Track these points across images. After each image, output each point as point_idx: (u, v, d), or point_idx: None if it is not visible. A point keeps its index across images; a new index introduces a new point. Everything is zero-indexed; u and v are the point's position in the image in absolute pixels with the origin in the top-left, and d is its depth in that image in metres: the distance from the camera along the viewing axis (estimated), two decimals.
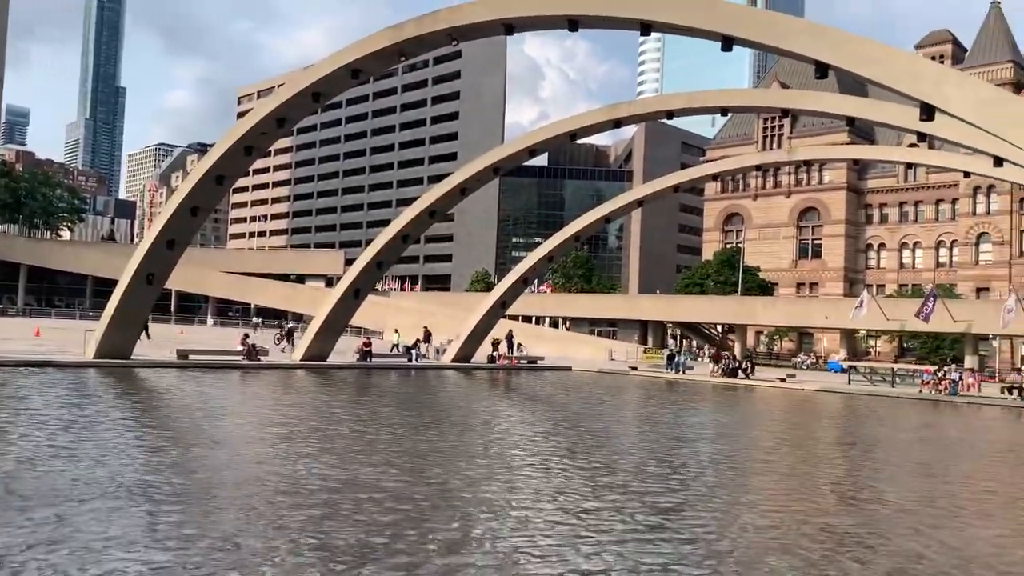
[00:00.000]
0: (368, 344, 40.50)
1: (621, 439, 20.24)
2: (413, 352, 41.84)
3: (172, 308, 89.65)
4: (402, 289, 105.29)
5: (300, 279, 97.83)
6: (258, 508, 10.26)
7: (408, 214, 37.28)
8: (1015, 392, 37.59)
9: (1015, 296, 58.55)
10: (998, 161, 25.49)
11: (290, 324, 53.15)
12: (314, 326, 37.81)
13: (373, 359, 39.67)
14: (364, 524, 9.73)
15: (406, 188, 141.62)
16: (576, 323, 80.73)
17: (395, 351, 43.48)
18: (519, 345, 47.60)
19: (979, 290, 75.27)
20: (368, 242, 40.48)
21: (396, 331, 43.16)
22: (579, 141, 42.02)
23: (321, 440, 16.42)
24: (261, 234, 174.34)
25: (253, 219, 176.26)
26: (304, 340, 37.89)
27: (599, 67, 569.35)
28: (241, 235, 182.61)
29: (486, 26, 22.76)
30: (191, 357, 33.42)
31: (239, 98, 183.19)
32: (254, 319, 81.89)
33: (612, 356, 59.37)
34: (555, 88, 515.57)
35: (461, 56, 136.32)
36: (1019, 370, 48.95)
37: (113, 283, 32.55)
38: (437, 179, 50.38)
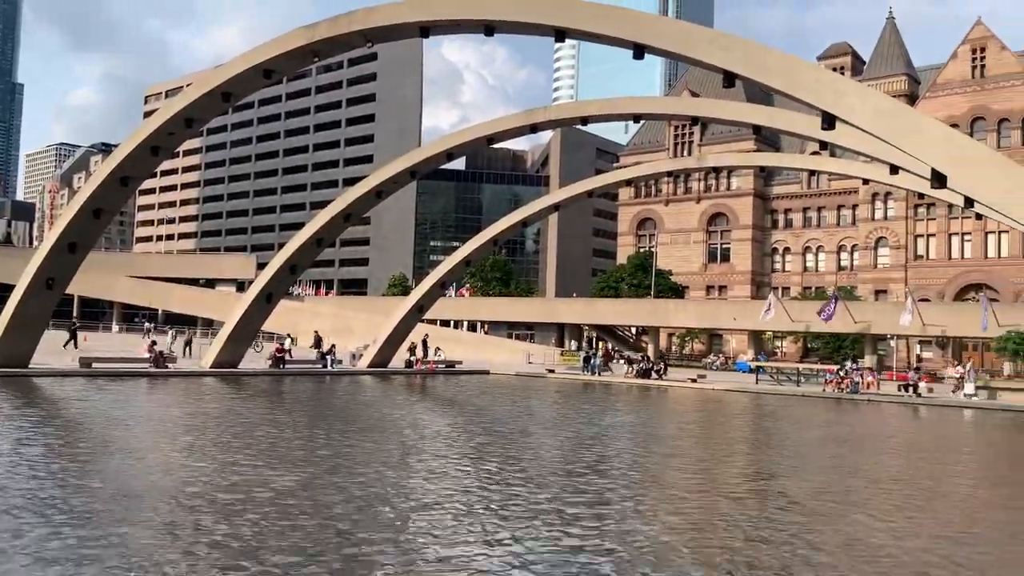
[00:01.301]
0: (281, 350, 39.72)
1: (532, 440, 20.40)
2: (328, 358, 41.21)
3: (74, 314, 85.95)
4: (317, 293, 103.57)
5: (210, 284, 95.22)
6: (163, 522, 9.94)
7: (322, 217, 36.73)
8: (911, 390, 39.47)
9: (911, 298, 61.55)
10: (894, 169, 26.77)
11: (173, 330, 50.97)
12: (224, 332, 36.85)
13: (286, 365, 38.91)
14: (273, 533, 9.55)
15: (321, 191, 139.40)
16: (494, 327, 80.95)
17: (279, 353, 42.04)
18: (437, 349, 47.44)
19: (878, 292, 78.73)
20: (281, 246, 39.69)
21: (288, 335, 42.19)
22: (497, 145, 42.30)
23: (229, 450, 16.01)
24: (169, 237, 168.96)
25: (160, 222, 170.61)
26: (214, 346, 36.89)
27: (517, 73, 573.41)
28: (148, 238, 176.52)
29: (402, 28, 22.68)
30: (95, 365, 32.14)
31: (146, 97, 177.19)
32: (146, 324, 78.28)
33: (530, 359, 59.78)
34: (475, 93, 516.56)
35: (377, 58, 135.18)
36: (916, 368, 51.47)
37: (10, 288, 31.03)
38: (353, 182, 49.73)
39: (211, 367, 35.33)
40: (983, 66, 75.67)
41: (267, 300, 36.99)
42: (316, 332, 49.65)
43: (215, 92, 27.12)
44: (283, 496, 11.52)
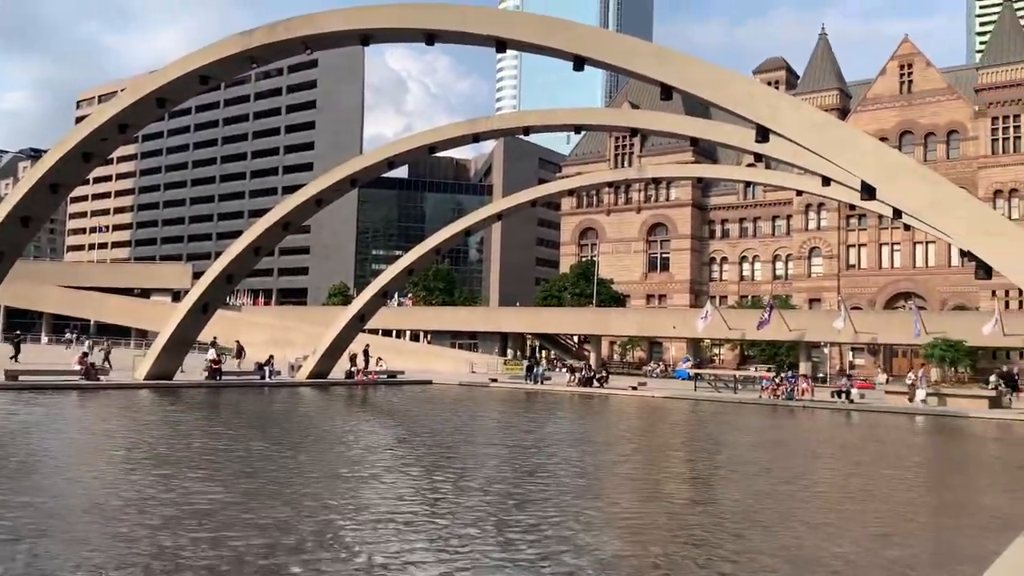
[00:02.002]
0: (217, 361, 38.90)
1: (471, 450, 20.36)
2: (266, 369, 40.50)
3: (0, 326, 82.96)
4: (255, 303, 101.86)
5: (145, 293, 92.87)
6: (92, 536, 9.65)
7: (261, 225, 36.11)
8: (843, 396, 40.49)
9: (844, 306, 63.27)
10: (826, 181, 27.51)
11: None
12: (159, 343, 35.94)
13: (223, 376, 38.11)
14: (204, 545, 9.34)
15: (259, 199, 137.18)
16: (437, 336, 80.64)
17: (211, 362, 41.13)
18: (378, 360, 47.01)
19: (811, 301, 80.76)
20: (218, 254, 38.92)
21: (214, 339, 40.57)
22: (440, 154, 42.23)
23: (164, 464, 15.62)
24: (102, 246, 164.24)
25: (93, 230, 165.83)
26: (148, 358, 35.94)
27: (460, 82, 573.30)
28: (80, 247, 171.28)
29: (341, 36, 22.52)
30: (22, 378, 31.03)
31: (78, 102, 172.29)
32: (68, 335, 75.71)
33: (473, 368, 59.66)
34: (418, 101, 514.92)
35: (317, 65, 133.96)
36: (848, 375, 52.85)
37: None
38: (292, 190, 49.14)
39: (145, 379, 34.40)
40: (910, 82, 78.46)
41: (203, 310, 36.19)
42: (237, 342, 48.73)
43: (149, 98, 26.53)
44: (214, 510, 11.27)
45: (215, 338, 40.85)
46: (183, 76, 25.62)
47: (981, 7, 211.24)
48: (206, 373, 37.99)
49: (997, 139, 73.27)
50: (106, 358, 41.46)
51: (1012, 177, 72.14)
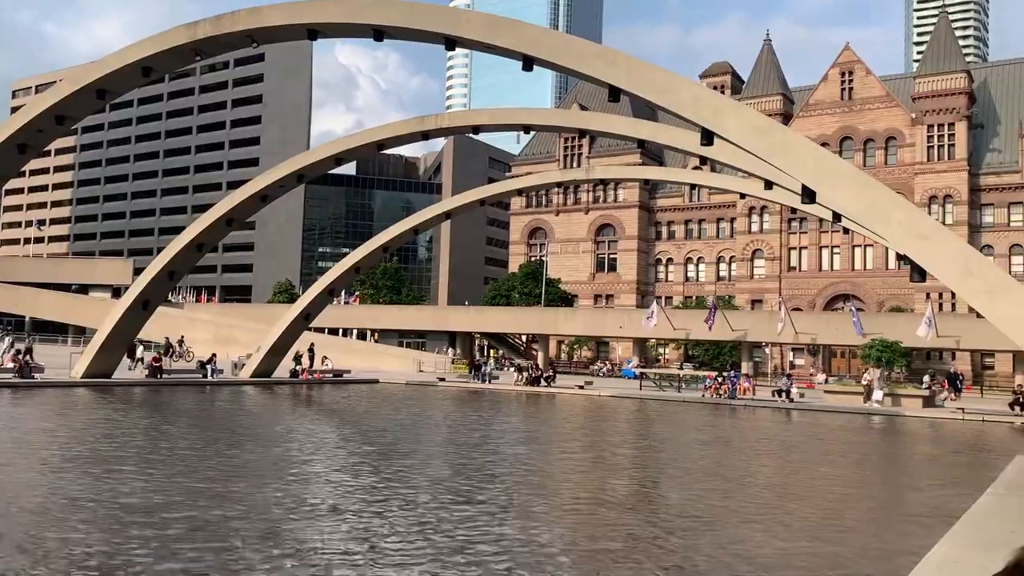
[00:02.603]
0: (158, 359, 38.12)
1: (415, 448, 20.31)
2: (209, 367, 39.81)
3: None
4: (198, 300, 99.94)
5: (83, 289, 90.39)
6: (24, 537, 9.39)
7: (204, 221, 35.47)
8: (783, 395, 41.37)
9: (784, 308, 64.61)
10: (768, 184, 28.08)
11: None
12: (97, 340, 35.07)
13: (164, 375, 37.36)
14: (141, 544, 9.16)
15: (203, 193, 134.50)
16: (385, 335, 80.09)
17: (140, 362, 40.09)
18: (324, 358, 46.56)
19: (754, 302, 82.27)
20: (160, 250, 38.07)
21: (137, 343, 39.34)
22: (389, 152, 41.97)
23: (103, 462, 15.26)
24: (39, 240, 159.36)
25: (29, 224, 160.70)
26: (86, 355, 35.04)
27: (410, 79, 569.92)
28: (15, 241, 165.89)
29: (288, 30, 22.26)
30: None
31: (13, 91, 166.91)
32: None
33: (421, 367, 59.46)
34: (368, 97, 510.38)
35: (264, 59, 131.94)
36: (788, 375, 53.98)
37: None
38: (237, 185, 48.26)
39: (82, 377, 33.54)
40: (851, 89, 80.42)
41: (143, 307, 35.42)
42: (167, 338, 47.68)
43: (89, 88, 25.87)
44: (153, 509, 11.06)
45: (167, 338, 39.87)
46: (125, 67, 25.05)
47: (919, 17, 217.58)
48: (147, 371, 37.21)
49: (932, 146, 75.53)
50: (27, 354, 39.54)
51: (946, 183, 74.47)
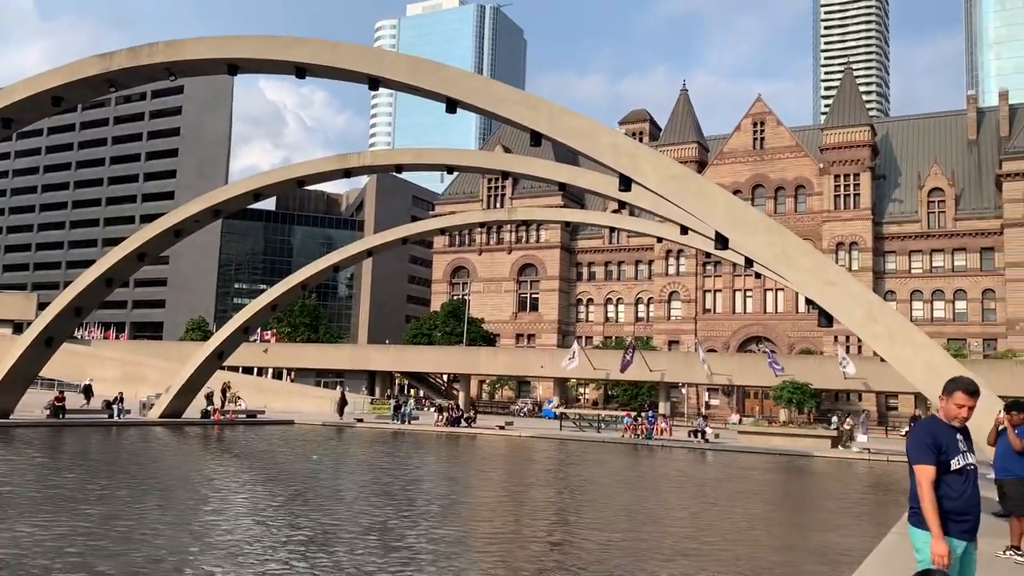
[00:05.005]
0: (61, 399, 36.46)
1: (326, 492, 19.87)
2: (115, 407, 38.25)
3: None
4: (106, 337, 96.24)
5: None
6: None
7: (115, 255, 34.33)
8: (699, 436, 42.10)
9: (700, 349, 66.06)
10: (684, 229, 28.88)
11: None
12: None
13: (67, 415, 35.72)
14: None
15: (115, 227, 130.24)
16: (302, 374, 78.51)
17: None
18: (236, 398, 45.29)
19: (671, 343, 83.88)
20: (68, 284, 36.63)
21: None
22: (310, 188, 41.54)
23: None
24: None
25: None
26: None
27: (336, 117, 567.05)
28: None
29: (207, 64, 21.99)
30: None
31: None
32: None
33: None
34: (295, 135, 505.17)
35: (183, 91, 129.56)
36: (704, 416, 55.03)
37: None
38: (151, 219, 46.72)
39: None
40: (763, 138, 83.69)
41: (47, 344, 33.93)
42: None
43: None
44: (47, 553, 10.49)
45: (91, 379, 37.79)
46: (32, 96, 24.26)
47: (825, 72, 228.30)
48: (48, 411, 35.53)
49: (839, 195, 78.99)
50: None
51: (852, 231, 77.85)
